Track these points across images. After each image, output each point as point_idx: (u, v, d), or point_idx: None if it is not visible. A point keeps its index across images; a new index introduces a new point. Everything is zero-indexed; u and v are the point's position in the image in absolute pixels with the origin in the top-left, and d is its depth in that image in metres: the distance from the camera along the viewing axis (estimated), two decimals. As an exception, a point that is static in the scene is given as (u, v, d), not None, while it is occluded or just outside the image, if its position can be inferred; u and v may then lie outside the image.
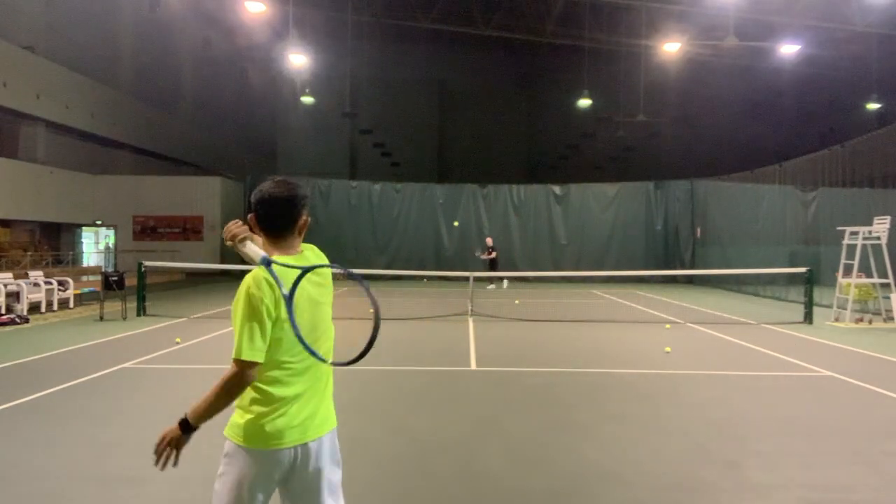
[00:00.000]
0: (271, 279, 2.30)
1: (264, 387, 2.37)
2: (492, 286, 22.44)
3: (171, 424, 2.46)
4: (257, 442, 2.37)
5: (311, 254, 2.54)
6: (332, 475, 2.50)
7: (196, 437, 2.49)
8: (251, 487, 2.37)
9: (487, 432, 5.82)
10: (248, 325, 2.28)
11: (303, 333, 2.22)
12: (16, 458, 5.04)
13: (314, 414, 2.43)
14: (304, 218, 2.47)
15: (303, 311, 2.34)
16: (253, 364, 2.29)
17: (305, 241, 2.53)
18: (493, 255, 22.87)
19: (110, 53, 29.51)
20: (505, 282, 23.22)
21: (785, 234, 19.32)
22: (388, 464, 5.00)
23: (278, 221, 2.42)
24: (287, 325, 2.27)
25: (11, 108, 23.37)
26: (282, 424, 2.37)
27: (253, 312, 2.28)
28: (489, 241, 23.94)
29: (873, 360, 9.40)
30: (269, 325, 2.30)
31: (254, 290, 2.30)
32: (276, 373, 2.36)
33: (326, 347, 2.49)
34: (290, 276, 2.28)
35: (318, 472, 2.44)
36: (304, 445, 2.40)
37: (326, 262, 2.54)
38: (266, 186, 2.45)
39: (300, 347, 2.29)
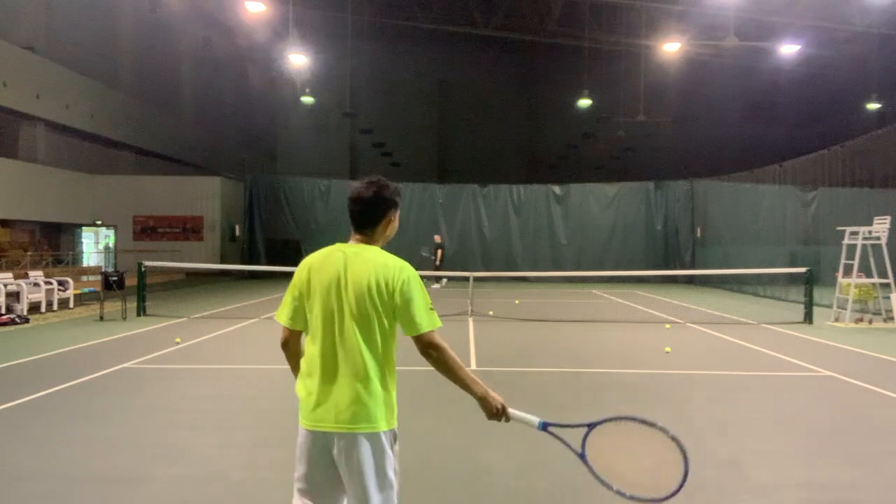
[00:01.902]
0: (308, 261, 2.66)
1: (302, 362, 2.63)
2: (437, 285, 22.30)
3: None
4: (300, 417, 2.60)
5: (368, 254, 2.60)
6: (364, 487, 2.44)
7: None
8: (298, 462, 2.59)
9: (487, 433, 5.81)
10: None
11: (317, 316, 2.54)
12: (15, 457, 5.04)
13: (329, 400, 2.48)
14: (386, 218, 2.66)
15: (316, 293, 2.57)
16: (284, 327, 2.67)
17: (332, 241, 2.72)
18: (440, 253, 22.50)
19: (110, 53, 29.47)
20: (444, 280, 22.59)
21: (785, 234, 19.32)
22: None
23: (358, 218, 2.65)
24: (309, 304, 2.58)
25: (11, 108, 23.35)
26: (304, 404, 2.56)
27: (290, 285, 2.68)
28: (438, 238, 23.40)
29: (873, 360, 9.40)
30: (295, 296, 2.63)
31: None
32: (307, 350, 2.62)
33: (339, 334, 2.54)
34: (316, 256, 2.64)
35: (349, 472, 2.46)
36: (327, 435, 2.48)
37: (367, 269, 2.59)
38: (356, 185, 2.69)
39: (321, 325, 2.53)
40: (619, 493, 2.39)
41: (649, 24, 27.94)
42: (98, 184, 28.10)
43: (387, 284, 2.51)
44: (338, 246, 2.62)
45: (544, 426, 2.53)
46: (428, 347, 2.52)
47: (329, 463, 2.50)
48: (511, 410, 2.57)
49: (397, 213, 2.70)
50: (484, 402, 2.55)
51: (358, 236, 2.63)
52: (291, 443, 5.37)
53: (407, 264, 2.60)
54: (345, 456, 2.45)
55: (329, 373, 2.49)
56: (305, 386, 2.54)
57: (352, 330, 2.49)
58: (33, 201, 24.17)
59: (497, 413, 2.56)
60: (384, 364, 2.52)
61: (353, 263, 2.54)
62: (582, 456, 2.47)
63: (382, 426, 2.48)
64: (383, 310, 2.50)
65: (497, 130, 39.10)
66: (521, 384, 7.86)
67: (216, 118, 37.80)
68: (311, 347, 2.56)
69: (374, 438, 2.45)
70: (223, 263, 26.96)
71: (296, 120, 38.12)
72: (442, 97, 39.59)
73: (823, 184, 17.50)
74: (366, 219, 2.62)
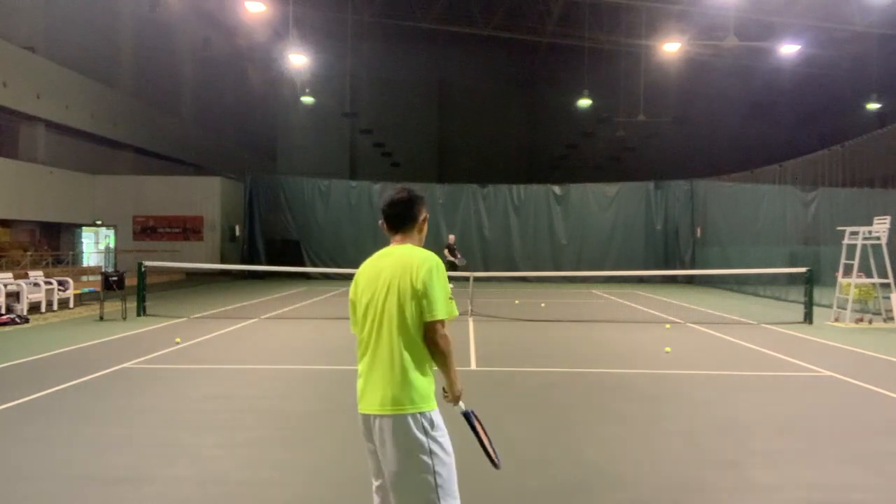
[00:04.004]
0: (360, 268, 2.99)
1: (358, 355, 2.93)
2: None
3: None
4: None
5: (397, 251, 2.88)
6: (393, 464, 2.67)
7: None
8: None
9: (487, 432, 5.81)
10: None
11: (361, 308, 2.85)
12: (16, 458, 5.04)
13: (370, 387, 2.76)
14: (422, 216, 2.97)
15: (364, 289, 2.87)
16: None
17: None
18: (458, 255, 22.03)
19: (110, 53, 29.49)
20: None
21: (785, 234, 19.31)
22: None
23: (395, 221, 2.96)
24: (353, 303, 2.93)
25: (11, 108, 23.36)
26: (357, 388, 2.84)
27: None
28: (451, 238, 22.06)
29: (873, 360, 9.40)
30: (352, 301, 2.96)
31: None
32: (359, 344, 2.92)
33: (376, 327, 2.79)
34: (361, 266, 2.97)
35: (382, 450, 2.71)
36: (365, 416, 2.77)
37: (403, 265, 2.84)
38: (388, 194, 3.03)
39: (364, 323, 2.82)
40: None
41: (649, 24, 27.93)
42: (98, 184, 28.11)
43: (410, 276, 2.72)
44: (381, 250, 2.94)
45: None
46: (434, 334, 2.75)
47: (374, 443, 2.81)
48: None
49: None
50: (454, 394, 2.95)
51: (397, 237, 2.94)
52: (292, 443, 5.39)
53: (430, 255, 2.82)
54: (378, 436, 2.72)
55: (370, 361, 2.78)
56: (361, 376, 2.85)
57: (383, 321, 2.77)
58: (33, 201, 24.18)
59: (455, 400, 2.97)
60: (413, 351, 2.74)
61: (385, 260, 2.86)
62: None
63: (409, 408, 2.69)
64: (407, 300, 2.73)
65: (497, 130, 39.04)
66: (521, 384, 7.86)
67: (216, 118, 37.81)
68: (361, 341, 2.86)
69: (399, 420, 2.67)
70: (223, 263, 26.96)
71: (296, 120, 38.09)
72: (442, 97, 39.54)
73: (823, 184, 17.49)
74: (402, 220, 2.93)
